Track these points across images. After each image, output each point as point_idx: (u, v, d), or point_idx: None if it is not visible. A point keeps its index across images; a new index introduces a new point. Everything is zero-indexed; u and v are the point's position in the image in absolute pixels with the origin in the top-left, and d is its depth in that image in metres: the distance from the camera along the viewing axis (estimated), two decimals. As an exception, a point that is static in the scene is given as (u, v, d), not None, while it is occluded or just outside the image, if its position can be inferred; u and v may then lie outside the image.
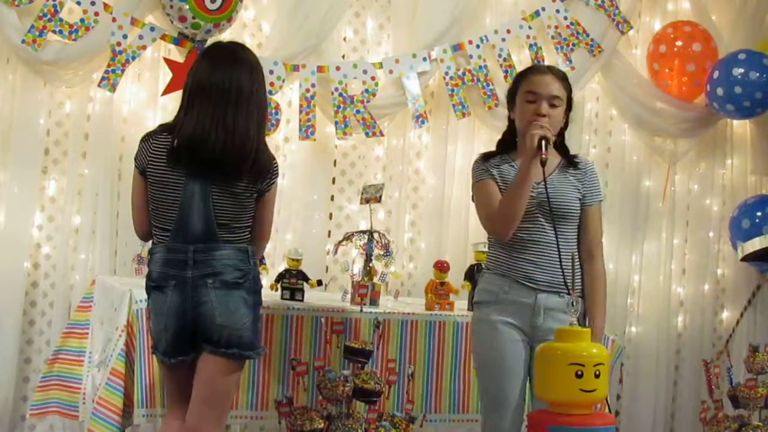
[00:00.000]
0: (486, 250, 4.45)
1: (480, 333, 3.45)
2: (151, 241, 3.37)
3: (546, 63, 5.27)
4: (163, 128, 3.28)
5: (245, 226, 3.25)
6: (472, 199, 3.59)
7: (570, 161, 3.51)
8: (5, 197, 4.56)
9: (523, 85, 3.45)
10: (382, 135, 5.05)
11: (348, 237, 4.36)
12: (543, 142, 3.28)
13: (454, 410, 4.26)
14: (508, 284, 3.40)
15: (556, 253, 3.32)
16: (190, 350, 3.21)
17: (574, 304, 3.04)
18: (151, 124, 4.69)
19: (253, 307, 3.24)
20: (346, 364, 3.89)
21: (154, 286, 3.21)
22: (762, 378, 4.71)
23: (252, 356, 3.27)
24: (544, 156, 3.26)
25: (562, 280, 3.33)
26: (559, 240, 3.34)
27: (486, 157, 3.54)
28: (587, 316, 3.40)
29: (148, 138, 3.27)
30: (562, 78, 3.48)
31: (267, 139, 4.84)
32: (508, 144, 3.54)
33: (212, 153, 3.12)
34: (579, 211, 3.46)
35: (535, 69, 3.61)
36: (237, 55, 3.26)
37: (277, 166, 3.32)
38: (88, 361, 4.14)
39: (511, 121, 3.54)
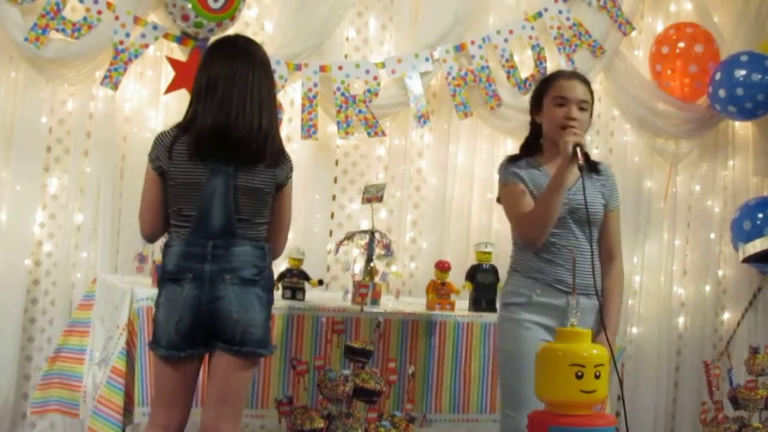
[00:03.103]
0: (487, 250, 4.50)
1: (509, 332, 3.47)
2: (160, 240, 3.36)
3: (548, 64, 5.29)
4: (178, 128, 3.26)
5: (264, 222, 3.26)
6: (498, 201, 3.63)
7: (592, 167, 3.54)
8: (7, 195, 4.56)
9: (552, 90, 3.49)
10: (384, 135, 5.06)
11: (349, 236, 4.36)
12: (578, 149, 3.31)
13: (454, 410, 4.26)
14: (540, 287, 3.45)
15: (585, 256, 3.42)
16: (201, 345, 3.20)
17: (577, 304, 3.16)
18: (153, 123, 4.71)
19: (267, 305, 3.24)
20: (346, 364, 3.90)
21: (169, 279, 3.18)
22: (762, 379, 4.71)
23: (264, 353, 3.25)
24: (581, 162, 3.30)
25: (589, 282, 3.40)
26: (591, 244, 3.44)
27: (513, 160, 3.56)
28: (603, 312, 3.45)
29: (165, 138, 3.24)
30: (588, 83, 3.55)
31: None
32: (532, 148, 3.57)
33: (239, 136, 3.14)
34: (603, 216, 3.54)
35: (563, 74, 3.64)
36: (244, 48, 3.30)
37: (291, 162, 3.33)
38: (89, 359, 4.15)
39: (535, 125, 3.57)
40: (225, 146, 3.15)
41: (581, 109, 3.46)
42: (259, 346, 3.20)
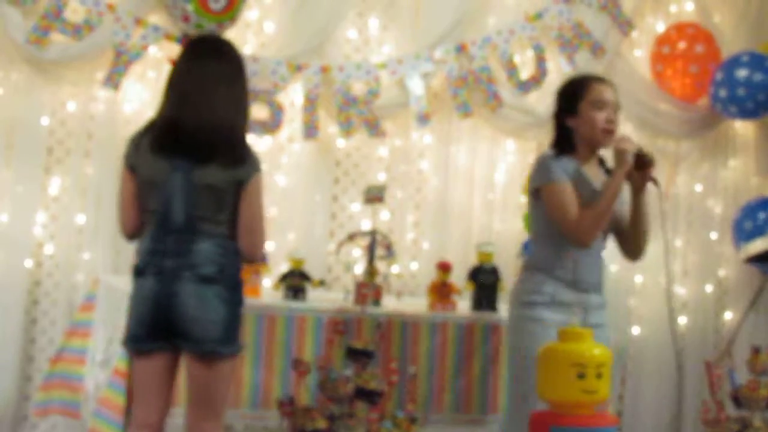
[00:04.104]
0: (489, 251, 4.50)
1: (529, 332, 3.49)
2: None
3: (549, 64, 5.29)
4: (147, 124, 3.30)
5: (227, 219, 3.21)
6: (534, 195, 3.61)
7: (608, 171, 3.64)
8: (8, 196, 4.57)
9: (590, 93, 3.56)
10: (384, 135, 5.06)
11: (351, 237, 4.37)
12: (643, 156, 3.48)
13: (456, 410, 4.26)
14: (563, 286, 3.52)
15: (597, 255, 3.60)
16: (164, 340, 3.18)
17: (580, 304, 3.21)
18: (155, 124, 4.71)
19: (230, 303, 3.19)
20: (348, 364, 3.90)
21: (138, 274, 3.21)
22: (764, 379, 4.70)
23: (225, 352, 3.18)
24: (654, 177, 3.50)
25: (601, 280, 3.63)
26: (599, 241, 3.61)
27: (554, 158, 3.58)
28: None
29: (135, 135, 3.29)
30: (614, 86, 3.66)
31: (270, 138, 4.92)
32: (564, 149, 3.61)
33: (185, 130, 3.15)
34: None
35: (595, 78, 3.72)
36: (215, 47, 3.31)
37: (258, 160, 3.26)
38: (91, 360, 4.15)
39: (563, 128, 3.62)
40: (179, 141, 3.16)
41: (616, 112, 3.57)
42: (219, 344, 3.16)
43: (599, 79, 3.67)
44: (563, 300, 3.50)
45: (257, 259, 3.36)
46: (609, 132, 3.53)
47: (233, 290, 3.22)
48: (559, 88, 3.73)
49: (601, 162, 3.70)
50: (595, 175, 3.60)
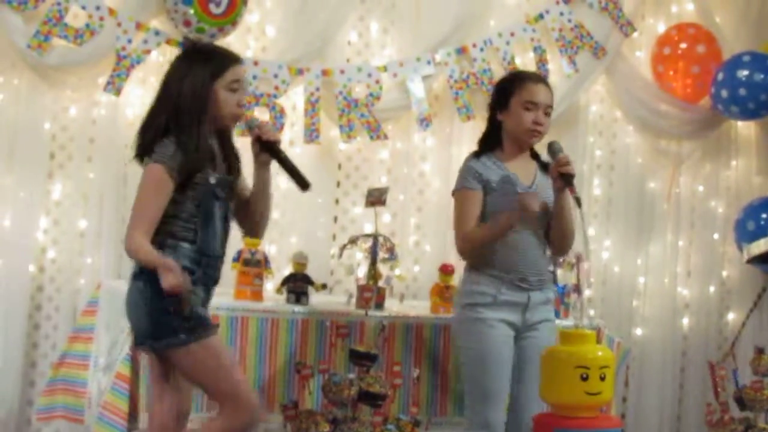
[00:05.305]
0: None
1: (475, 331, 3.56)
2: None
3: (550, 66, 5.29)
4: None
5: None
6: (453, 195, 3.71)
7: (543, 165, 3.70)
8: (11, 201, 4.57)
9: (521, 92, 3.60)
10: (386, 138, 5.06)
11: (353, 240, 4.36)
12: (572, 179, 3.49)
13: (459, 413, 4.25)
14: (506, 286, 3.56)
15: (540, 253, 3.63)
16: None
17: (581, 306, 3.20)
18: (156, 128, 4.72)
19: (150, 297, 3.08)
20: (351, 368, 3.90)
21: None
22: (768, 380, 4.71)
23: (156, 347, 3.10)
24: (576, 195, 3.47)
25: (545, 277, 3.66)
26: (541, 239, 3.63)
27: (476, 157, 3.66)
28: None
29: None
30: (550, 87, 3.69)
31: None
32: (492, 143, 3.69)
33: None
34: None
35: (532, 77, 3.75)
36: (182, 53, 3.39)
37: (159, 152, 3.14)
38: (94, 365, 4.15)
39: (495, 121, 3.68)
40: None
41: (546, 114, 3.61)
42: (148, 338, 3.12)
43: (535, 79, 3.70)
44: (504, 300, 3.55)
45: (131, 254, 3.12)
46: (534, 133, 3.59)
47: (154, 284, 3.05)
48: (496, 82, 3.79)
49: (536, 156, 3.72)
50: (521, 171, 3.64)
